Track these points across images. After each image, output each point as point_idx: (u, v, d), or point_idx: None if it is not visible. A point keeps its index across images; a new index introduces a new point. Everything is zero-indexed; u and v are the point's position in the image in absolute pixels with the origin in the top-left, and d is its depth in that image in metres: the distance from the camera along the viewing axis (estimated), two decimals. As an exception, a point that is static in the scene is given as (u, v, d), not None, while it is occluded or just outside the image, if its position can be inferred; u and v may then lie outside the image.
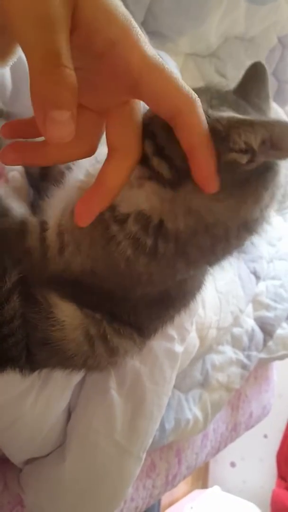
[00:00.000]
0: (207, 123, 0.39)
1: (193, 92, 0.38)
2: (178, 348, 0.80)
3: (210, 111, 0.43)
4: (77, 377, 0.69)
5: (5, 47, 0.40)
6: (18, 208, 0.59)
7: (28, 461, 0.74)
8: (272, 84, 1.57)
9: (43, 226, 0.56)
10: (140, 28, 1.14)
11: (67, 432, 0.71)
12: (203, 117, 0.38)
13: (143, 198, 0.50)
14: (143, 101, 0.39)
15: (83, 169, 0.57)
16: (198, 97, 0.39)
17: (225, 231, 0.50)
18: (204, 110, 0.39)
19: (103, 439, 0.70)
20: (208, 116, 0.40)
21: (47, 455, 0.72)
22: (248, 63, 1.57)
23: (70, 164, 0.61)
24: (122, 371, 0.73)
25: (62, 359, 0.59)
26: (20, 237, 0.56)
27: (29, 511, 0.80)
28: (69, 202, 0.54)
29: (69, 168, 0.61)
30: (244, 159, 0.43)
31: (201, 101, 0.39)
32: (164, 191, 0.49)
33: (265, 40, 1.43)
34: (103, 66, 0.36)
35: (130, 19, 0.36)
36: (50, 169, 0.66)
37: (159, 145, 0.45)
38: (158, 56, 0.37)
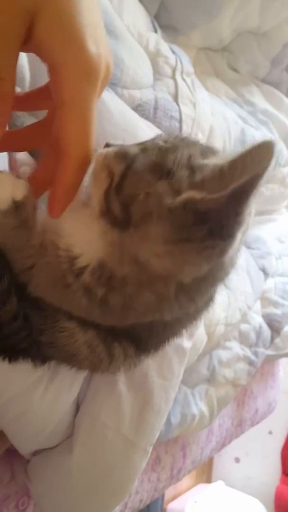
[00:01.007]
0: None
1: (92, 146, 0.41)
2: (187, 343, 0.80)
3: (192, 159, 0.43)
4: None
5: None
6: None
7: (36, 452, 0.74)
8: (285, 80, 1.56)
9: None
10: (152, 23, 1.14)
11: (75, 425, 0.72)
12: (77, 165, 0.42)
13: (95, 241, 0.49)
14: (56, 122, 0.40)
15: None
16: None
17: (166, 290, 0.48)
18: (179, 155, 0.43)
19: (110, 432, 0.70)
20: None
21: (55, 446, 0.73)
22: (260, 58, 1.57)
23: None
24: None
25: (69, 359, 0.59)
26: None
27: (35, 502, 0.81)
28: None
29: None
30: (200, 194, 0.40)
31: (194, 152, 0.44)
32: (112, 232, 0.47)
33: (278, 35, 1.42)
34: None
35: (83, 50, 0.37)
36: None
37: (116, 181, 0.46)
38: (87, 97, 0.39)
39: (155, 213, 0.43)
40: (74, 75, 0.37)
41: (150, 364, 0.75)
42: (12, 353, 0.56)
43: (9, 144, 0.50)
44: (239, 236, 0.45)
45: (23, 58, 0.67)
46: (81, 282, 0.49)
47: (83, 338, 0.56)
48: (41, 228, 0.52)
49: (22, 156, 0.65)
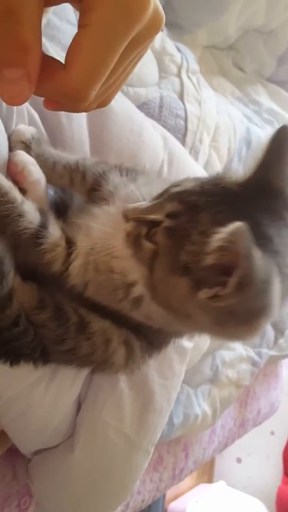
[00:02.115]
0: None
1: (96, 84, 0.34)
2: (187, 343, 0.80)
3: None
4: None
5: None
6: (34, 213, 0.57)
7: (37, 452, 0.74)
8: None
9: (69, 252, 0.57)
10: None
11: (77, 423, 0.71)
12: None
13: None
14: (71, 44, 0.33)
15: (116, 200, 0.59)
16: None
17: None
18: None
19: (112, 431, 0.70)
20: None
21: (56, 446, 0.72)
22: (266, 56, 1.57)
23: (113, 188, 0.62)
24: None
25: (90, 361, 0.60)
26: (37, 247, 0.56)
27: (37, 501, 0.81)
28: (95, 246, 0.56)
29: (113, 193, 0.62)
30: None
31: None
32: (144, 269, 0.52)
33: (285, 33, 1.41)
34: None
35: None
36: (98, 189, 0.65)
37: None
38: (117, 30, 0.33)
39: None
40: (109, 6, 0.31)
41: (151, 363, 0.74)
42: (14, 357, 0.56)
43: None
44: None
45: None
46: (138, 311, 0.56)
47: (118, 338, 0.59)
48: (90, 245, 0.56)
49: (25, 157, 0.63)
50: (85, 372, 0.69)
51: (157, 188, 0.56)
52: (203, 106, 1.04)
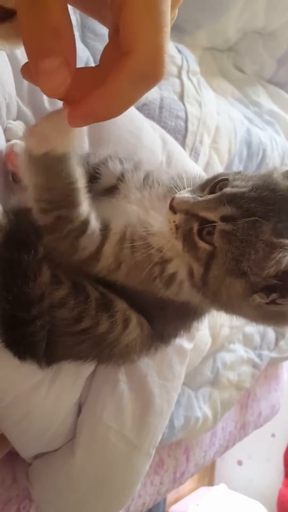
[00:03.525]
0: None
1: (165, 48, 0.31)
2: (187, 344, 0.79)
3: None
4: (88, 369, 0.69)
5: None
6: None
7: (38, 456, 0.73)
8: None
9: (103, 238, 0.56)
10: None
11: (77, 426, 0.71)
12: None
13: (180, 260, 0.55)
14: (121, 25, 0.30)
15: (132, 187, 0.60)
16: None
17: None
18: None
19: (112, 434, 0.70)
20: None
21: (57, 449, 0.72)
22: (266, 57, 1.56)
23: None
24: (131, 365, 0.72)
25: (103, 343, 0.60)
26: (78, 238, 0.54)
27: (37, 505, 0.80)
28: (129, 226, 0.56)
29: (120, 181, 0.62)
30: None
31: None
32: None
33: (284, 34, 1.41)
34: None
35: None
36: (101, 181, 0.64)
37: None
38: None
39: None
40: None
41: (150, 364, 0.74)
42: (22, 348, 0.56)
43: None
44: None
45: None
46: (169, 289, 0.57)
47: (136, 318, 0.60)
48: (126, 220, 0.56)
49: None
50: (86, 373, 0.69)
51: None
52: (203, 107, 1.04)
